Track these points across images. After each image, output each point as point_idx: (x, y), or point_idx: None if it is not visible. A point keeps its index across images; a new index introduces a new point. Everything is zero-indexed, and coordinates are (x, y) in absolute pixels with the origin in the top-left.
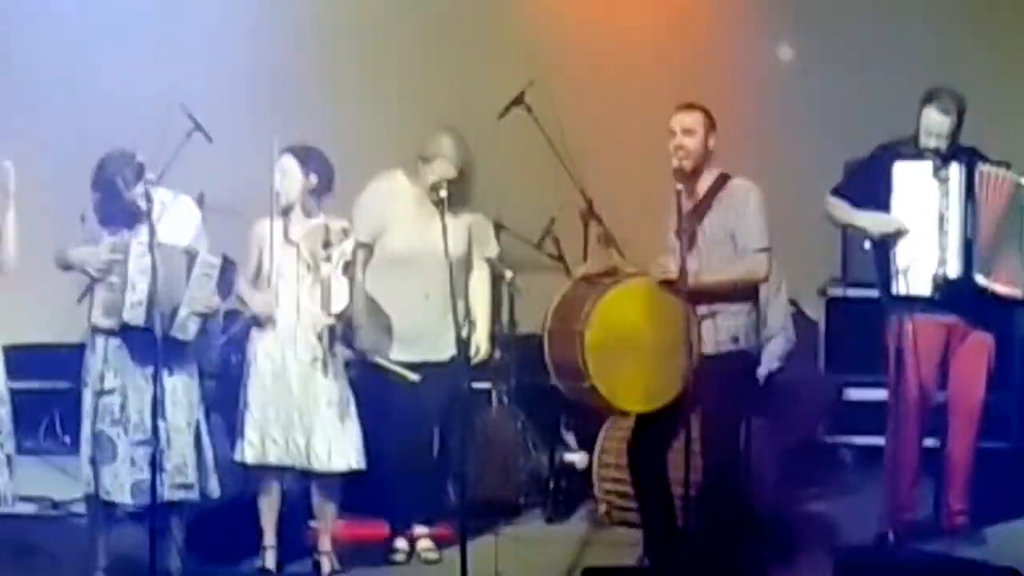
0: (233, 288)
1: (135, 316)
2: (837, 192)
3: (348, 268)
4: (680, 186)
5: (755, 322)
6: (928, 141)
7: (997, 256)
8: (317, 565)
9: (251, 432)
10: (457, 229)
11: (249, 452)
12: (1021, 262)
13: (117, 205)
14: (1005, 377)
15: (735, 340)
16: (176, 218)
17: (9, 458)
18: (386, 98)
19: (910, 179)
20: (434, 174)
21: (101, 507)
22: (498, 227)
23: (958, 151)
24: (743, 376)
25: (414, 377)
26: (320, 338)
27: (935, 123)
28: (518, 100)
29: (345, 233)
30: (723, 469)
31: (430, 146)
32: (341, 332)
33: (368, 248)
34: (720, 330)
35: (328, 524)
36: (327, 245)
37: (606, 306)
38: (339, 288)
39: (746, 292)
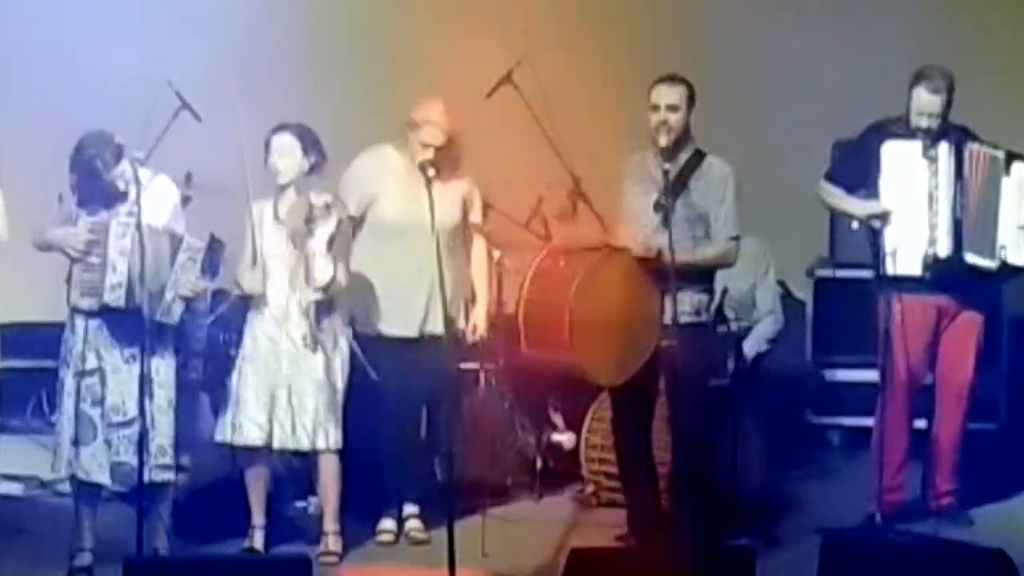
0: (220, 268)
1: (115, 298)
2: (830, 178)
3: (332, 243)
4: (668, 165)
5: (712, 300)
6: (919, 121)
7: (977, 229)
8: (319, 542)
9: (241, 412)
10: (448, 199)
11: (239, 432)
12: (995, 235)
13: (95, 185)
14: (993, 359)
15: (697, 313)
16: (154, 198)
17: None
18: (373, 77)
19: (899, 159)
20: (422, 140)
21: (87, 488)
22: (486, 206)
23: (948, 130)
24: (707, 347)
25: (373, 376)
26: (306, 314)
27: (926, 103)
28: (506, 79)
29: (328, 208)
30: (695, 443)
31: (419, 112)
32: (332, 308)
33: (359, 221)
34: (682, 303)
35: (332, 503)
36: (309, 221)
37: (593, 282)
38: (323, 263)
39: (706, 272)
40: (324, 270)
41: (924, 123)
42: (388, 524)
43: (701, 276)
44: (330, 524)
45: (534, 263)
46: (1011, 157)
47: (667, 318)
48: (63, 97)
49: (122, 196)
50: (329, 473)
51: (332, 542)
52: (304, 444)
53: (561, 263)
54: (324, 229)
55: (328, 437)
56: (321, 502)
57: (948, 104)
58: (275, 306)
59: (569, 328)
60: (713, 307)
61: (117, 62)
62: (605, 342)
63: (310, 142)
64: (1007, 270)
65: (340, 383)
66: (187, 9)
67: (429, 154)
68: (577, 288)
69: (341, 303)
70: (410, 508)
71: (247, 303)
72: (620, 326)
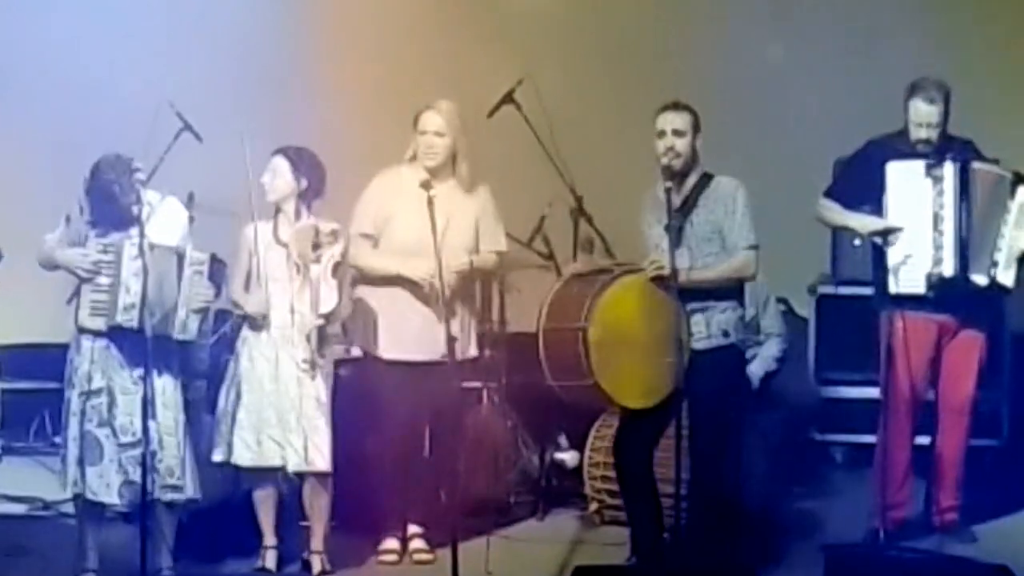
0: (223, 289)
1: (129, 318)
2: (829, 194)
3: (338, 270)
4: (669, 183)
5: (742, 317)
6: (919, 133)
7: (979, 248)
8: (308, 565)
9: (236, 432)
10: (461, 221)
11: (247, 456)
12: (992, 251)
13: (110, 208)
14: (995, 375)
15: (725, 334)
16: (164, 219)
17: None
18: (375, 98)
19: (903, 178)
20: (420, 152)
21: (91, 508)
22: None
23: (951, 148)
24: (734, 370)
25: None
26: (308, 339)
27: (923, 113)
28: (508, 98)
29: (335, 235)
30: (714, 464)
31: (419, 124)
32: (334, 332)
33: (376, 241)
34: (711, 324)
35: (320, 523)
36: (317, 247)
37: (605, 303)
38: (327, 290)
39: (732, 288)
40: (329, 298)
41: (923, 134)
42: (391, 544)
43: (727, 294)
44: (317, 544)
45: (550, 294)
46: (1018, 179)
47: (698, 341)
48: (65, 117)
49: (136, 219)
50: (319, 494)
51: (318, 563)
52: (294, 465)
53: (574, 289)
54: (329, 256)
55: (321, 458)
56: (311, 523)
57: (946, 115)
58: (275, 328)
59: (586, 353)
60: (742, 325)
61: (119, 82)
62: (629, 364)
63: (304, 165)
64: (998, 288)
65: (327, 406)
66: (189, 29)
67: (428, 170)
68: (588, 310)
69: (342, 327)
70: (414, 528)
71: (250, 324)
72: (643, 348)
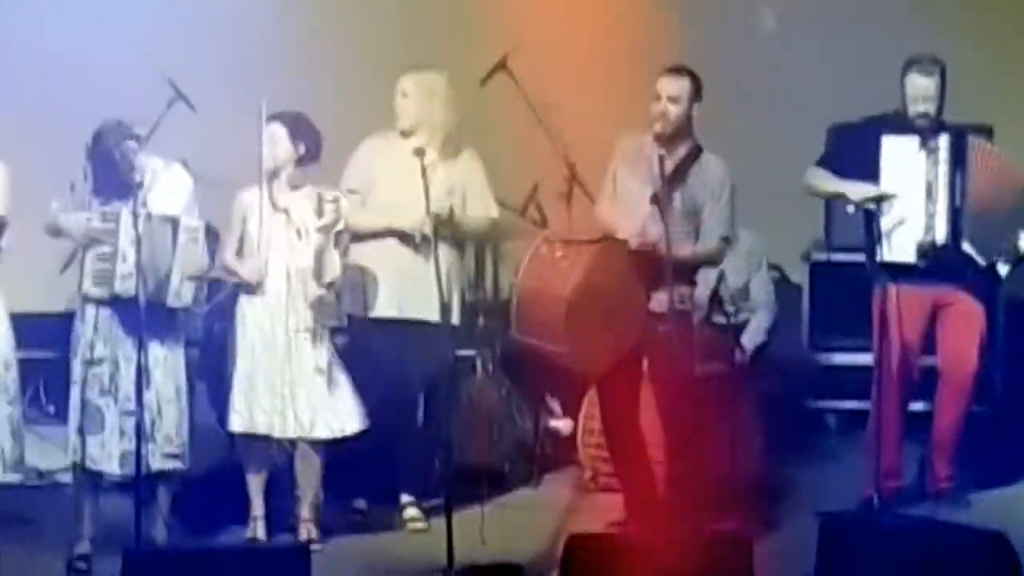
0: (217, 257)
1: (127, 287)
2: (822, 163)
3: (339, 238)
4: (663, 151)
5: (692, 292)
6: (917, 107)
7: (978, 224)
8: (295, 532)
9: (239, 401)
10: (445, 184)
11: (236, 421)
12: (998, 234)
13: (111, 174)
14: (990, 342)
15: (682, 302)
16: (168, 187)
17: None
18: (368, 64)
19: (898, 150)
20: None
21: (88, 477)
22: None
23: (946, 125)
24: (690, 334)
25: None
26: (312, 308)
27: (921, 87)
28: (501, 65)
29: (337, 204)
30: (681, 429)
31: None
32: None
33: (360, 197)
34: (665, 296)
35: (310, 492)
36: (320, 215)
37: (591, 273)
38: (331, 258)
39: (690, 269)
40: (333, 266)
41: (921, 108)
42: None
43: (683, 270)
44: (306, 512)
45: (530, 249)
46: None
47: (655, 307)
48: (61, 86)
49: (137, 186)
50: (308, 462)
51: (307, 531)
52: (301, 433)
53: (558, 253)
54: (332, 224)
55: (329, 425)
56: (302, 492)
57: (942, 89)
58: (270, 294)
59: (564, 320)
60: (698, 297)
61: (112, 51)
62: (594, 334)
63: (300, 131)
64: (993, 274)
65: (341, 371)
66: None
67: (419, 140)
68: (576, 283)
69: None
70: (407, 497)
71: (245, 291)
72: (608, 318)
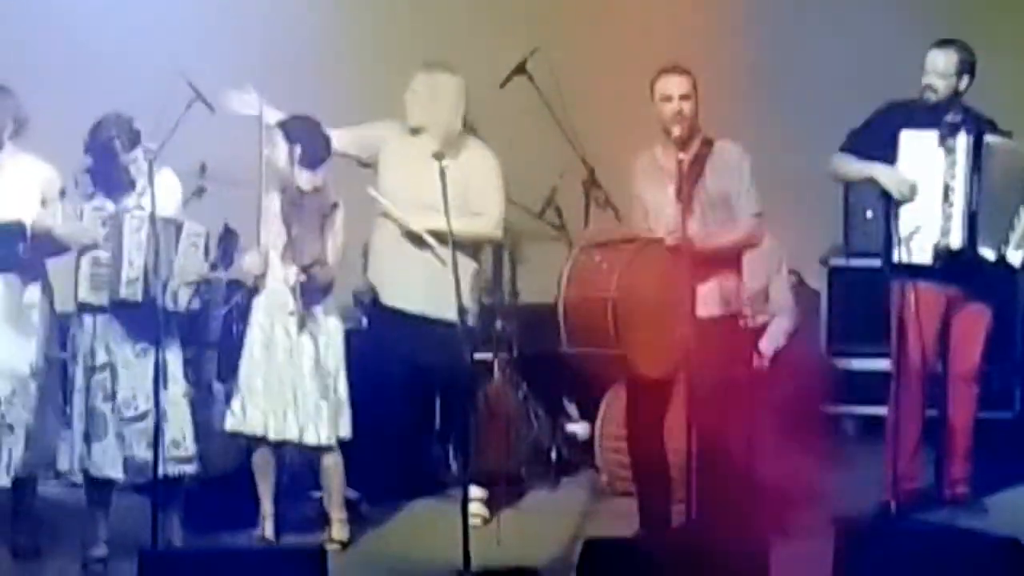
0: (235, 259)
1: (132, 292)
2: (847, 149)
3: (323, 224)
4: (683, 155)
5: (739, 286)
6: (927, 79)
7: (990, 222)
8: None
9: (235, 400)
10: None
11: (230, 420)
12: (1006, 228)
13: (109, 169)
14: (1008, 348)
15: (727, 303)
16: (159, 191)
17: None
18: (386, 67)
19: (916, 147)
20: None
21: (97, 484)
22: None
23: (966, 120)
24: (734, 338)
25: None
26: (293, 293)
27: (936, 62)
28: (520, 68)
29: (317, 190)
30: (717, 436)
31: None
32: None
33: (373, 167)
34: (712, 292)
35: (334, 492)
36: (296, 204)
37: (632, 272)
38: (309, 241)
39: (734, 257)
40: (310, 249)
41: (931, 80)
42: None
43: (727, 262)
44: (335, 512)
45: (568, 261)
46: None
47: (703, 309)
48: (75, 87)
49: (131, 185)
50: (329, 464)
51: (336, 530)
52: (297, 436)
53: (597, 258)
54: (312, 210)
55: (321, 430)
56: (325, 493)
57: (961, 75)
58: (270, 292)
59: (614, 322)
60: (744, 295)
61: (130, 52)
62: (648, 334)
63: (296, 131)
64: (1005, 266)
65: (335, 370)
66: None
67: (426, 139)
68: (618, 282)
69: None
70: (477, 491)
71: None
72: (660, 317)
